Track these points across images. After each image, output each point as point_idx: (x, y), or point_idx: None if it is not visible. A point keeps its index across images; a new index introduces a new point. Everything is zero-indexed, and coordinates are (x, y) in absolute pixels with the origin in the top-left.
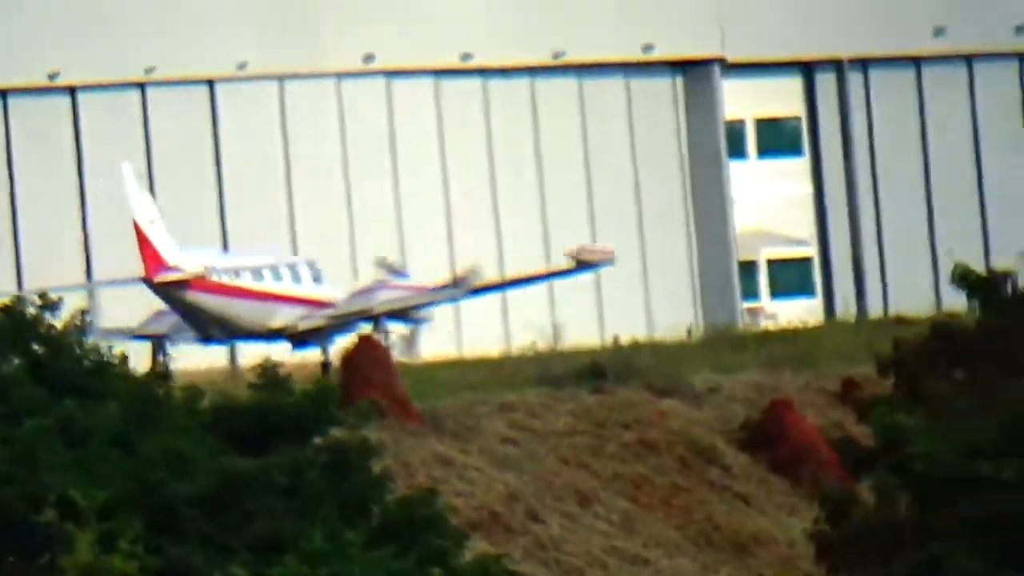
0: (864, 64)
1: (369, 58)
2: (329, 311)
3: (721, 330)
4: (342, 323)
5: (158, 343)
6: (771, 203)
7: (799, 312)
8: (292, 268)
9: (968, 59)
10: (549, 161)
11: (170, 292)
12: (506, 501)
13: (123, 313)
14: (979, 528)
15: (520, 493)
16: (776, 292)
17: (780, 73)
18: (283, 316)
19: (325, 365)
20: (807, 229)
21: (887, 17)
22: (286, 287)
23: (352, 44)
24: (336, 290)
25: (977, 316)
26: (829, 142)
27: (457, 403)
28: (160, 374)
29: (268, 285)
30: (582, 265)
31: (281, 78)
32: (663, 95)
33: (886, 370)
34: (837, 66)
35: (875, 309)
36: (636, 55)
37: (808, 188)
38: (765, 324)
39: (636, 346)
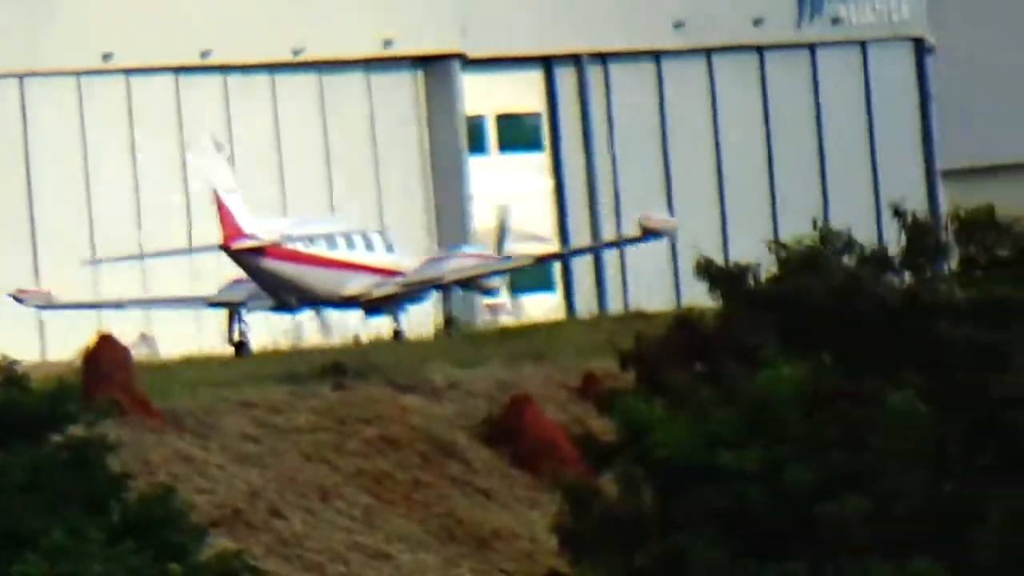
0: (604, 59)
1: (108, 56)
2: (401, 279)
3: (462, 326)
4: (414, 291)
5: (234, 311)
6: (512, 198)
7: (539, 308)
8: (365, 236)
9: (707, 52)
10: (289, 158)
11: (247, 259)
12: (248, 498)
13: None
14: (721, 518)
15: (262, 490)
16: (517, 288)
17: (520, 68)
18: (356, 284)
19: (397, 333)
20: (547, 224)
21: (626, 12)
22: (359, 255)
23: (90, 41)
24: (408, 259)
25: (718, 309)
26: (569, 137)
27: (198, 401)
28: (237, 342)
29: (342, 253)
30: (648, 233)
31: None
32: (404, 91)
33: (627, 364)
34: (577, 61)
35: (616, 304)
36: (377, 51)
37: (548, 183)
38: (506, 320)
39: (377, 343)
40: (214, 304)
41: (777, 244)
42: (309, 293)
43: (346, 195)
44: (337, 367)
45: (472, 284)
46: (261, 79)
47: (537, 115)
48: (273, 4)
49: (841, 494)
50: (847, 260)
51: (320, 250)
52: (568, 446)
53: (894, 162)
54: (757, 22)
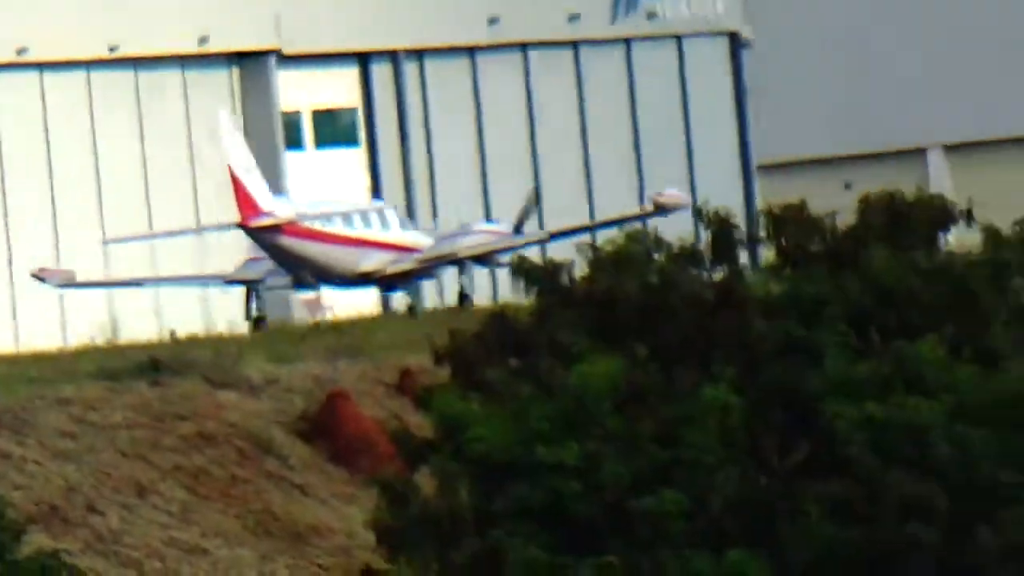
0: (419, 55)
1: None
2: (416, 255)
3: (278, 322)
4: (429, 267)
5: (251, 288)
6: (329, 194)
7: (356, 303)
8: (380, 214)
9: (523, 47)
10: (104, 157)
11: (264, 237)
12: (65, 494)
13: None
14: (537, 514)
15: (79, 486)
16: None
17: (336, 64)
18: (372, 260)
19: (411, 308)
20: None
21: (441, 8)
22: (375, 232)
23: None
24: (422, 235)
25: (533, 306)
26: (385, 132)
27: (15, 398)
28: (255, 319)
29: (358, 231)
30: (660, 209)
31: None
32: (220, 87)
33: (442, 360)
34: (392, 57)
35: (432, 300)
36: (192, 47)
37: (365, 178)
38: (322, 315)
39: (193, 340)
40: (231, 282)
41: (589, 246)
42: (326, 270)
43: (162, 190)
44: (153, 363)
45: (486, 260)
46: (77, 76)
47: (353, 111)
48: (89, 1)
49: (657, 489)
50: (659, 257)
51: (336, 227)
52: (385, 442)
53: (710, 157)
54: (572, 17)
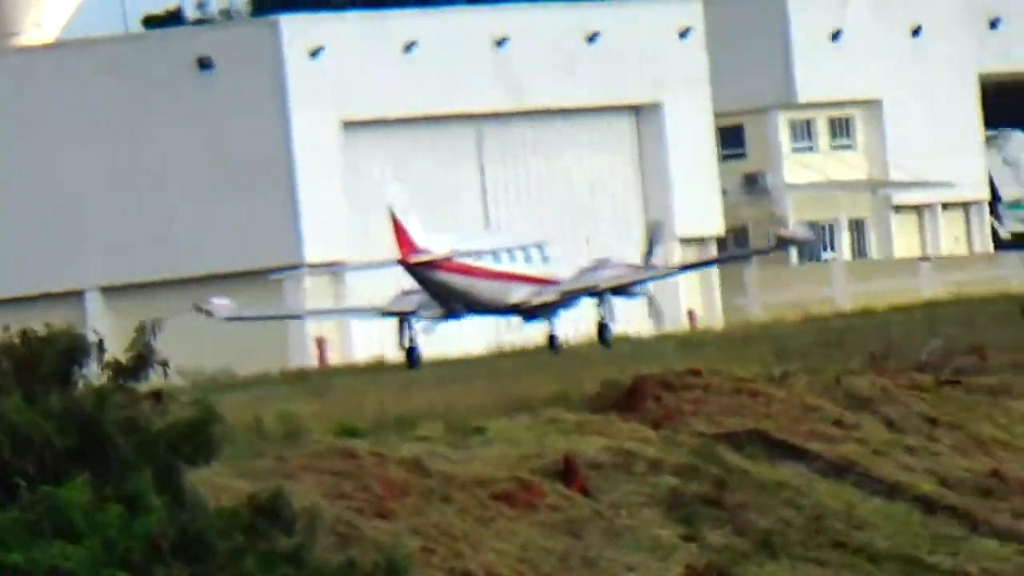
0: None
1: None
2: (559, 287)
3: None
4: (570, 299)
5: (404, 320)
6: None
7: None
8: (524, 250)
9: None
10: None
11: (422, 272)
12: None
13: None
14: None
15: None
16: None
17: None
18: (519, 293)
19: (553, 339)
20: None
21: None
22: (520, 267)
23: None
24: (562, 269)
25: None
26: None
27: None
28: (408, 348)
29: (505, 265)
30: (783, 242)
31: None
32: None
33: None
34: None
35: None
36: None
37: None
38: None
39: None
40: (387, 314)
41: None
42: (477, 302)
43: None
44: None
45: (623, 292)
46: None
47: None
48: None
49: None
50: None
51: (486, 263)
52: None
53: None
54: None
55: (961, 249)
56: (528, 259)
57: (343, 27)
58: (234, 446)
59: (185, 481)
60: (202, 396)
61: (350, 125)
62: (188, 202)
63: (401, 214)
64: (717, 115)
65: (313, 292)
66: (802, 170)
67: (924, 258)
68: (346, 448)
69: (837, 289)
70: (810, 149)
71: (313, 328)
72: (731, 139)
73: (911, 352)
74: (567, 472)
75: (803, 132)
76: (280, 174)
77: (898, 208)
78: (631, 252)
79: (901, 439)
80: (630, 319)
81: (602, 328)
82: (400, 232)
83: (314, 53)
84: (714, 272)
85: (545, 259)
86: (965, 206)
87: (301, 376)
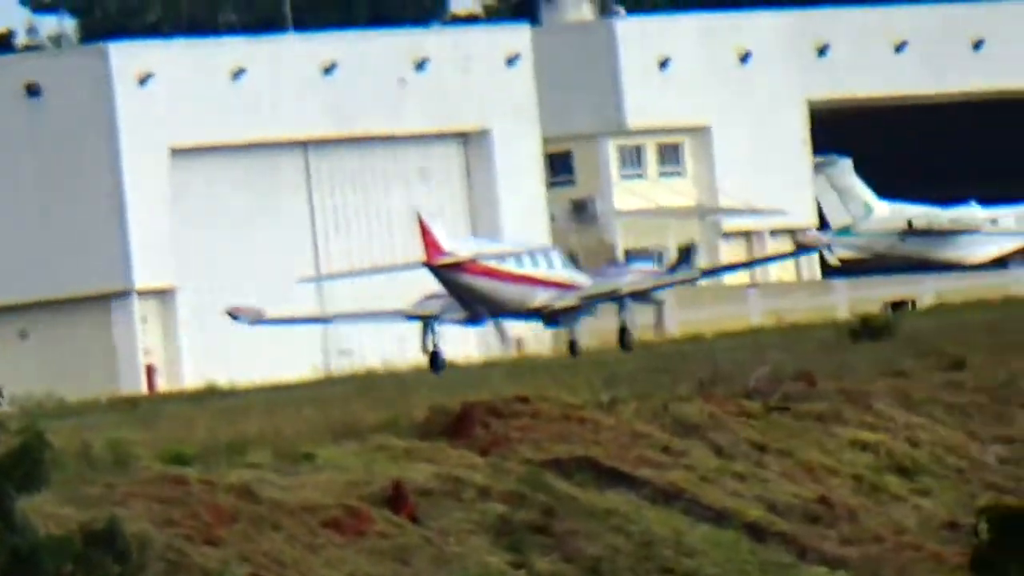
0: None
1: None
2: (580, 292)
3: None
4: (591, 303)
5: (428, 323)
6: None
7: None
8: (546, 254)
9: None
10: None
11: (447, 274)
12: None
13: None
14: None
15: None
16: None
17: None
18: (541, 297)
19: (572, 343)
20: None
21: None
22: (542, 271)
23: None
24: (581, 274)
25: None
26: None
27: None
28: (431, 352)
29: (528, 269)
30: (801, 248)
31: None
32: None
33: None
34: None
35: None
36: None
37: None
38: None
39: None
40: (411, 317)
41: None
42: (500, 305)
43: None
44: None
45: (642, 296)
46: None
47: None
48: None
49: None
50: None
51: (510, 266)
52: None
53: None
54: None
55: (789, 275)
56: (550, 264)
57: (172, 54)
58: (63, 473)
59: (16, 507)
60: (31, 423)
61: (179, 152)
62: (16, 228)
63: (427, 217)
64: (546, 142)
65: (143, 317)
66: (631, 197)
67: (752, 285)
68: (175, 475)
69: (666, 316)
70: (639, 176)
71: (143, 355)
72: (560, 166)
73: (739, 379)
74: (396, 499)
75: (632, 159)
76: (109, 201)
77: (727, 235)
78: None
79: (729, 466)
80: (459, 345)
81: (623, 333)
82: (426, 234)
83: (143, 80)
84: None
85: (565, 263)
86: (793, 233)
87: (131, 403)
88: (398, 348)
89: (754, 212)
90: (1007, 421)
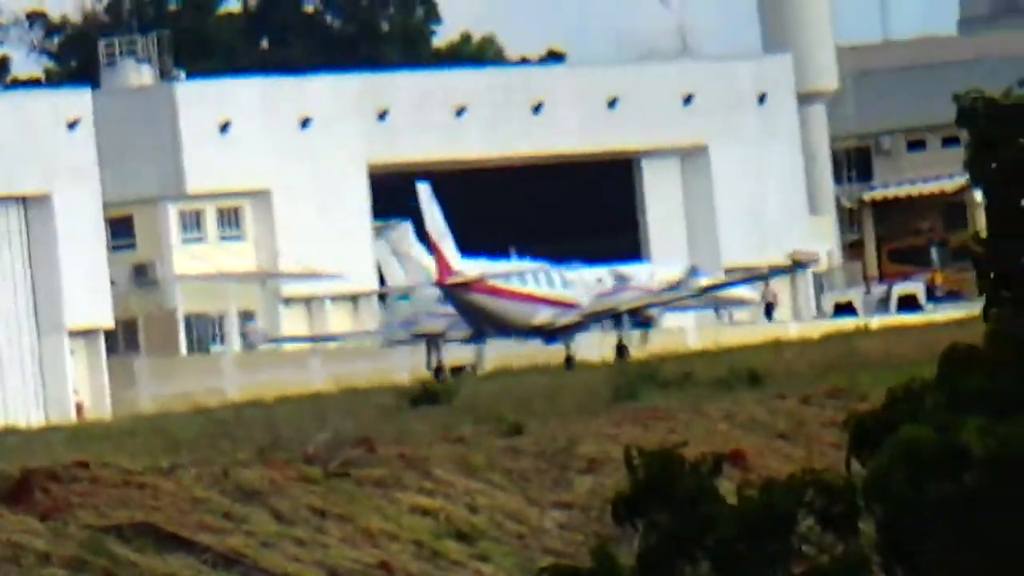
0: None
1: None
2: (580, 310)
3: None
4: (590, 320)
5: (433, 340)
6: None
7: None
8: (546, 274)
9: None
10: None
11: (457, 293)
12: None
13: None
14: None
15: None
16: None
17: None
18: (543, 315)
19: (569, 360)
20: None
21: None
22: (543, 290)
23: None
24: (579, 293)
25: None
26: None
27: None
28: (435, 368)
29: (530, 288)
30: (797, 264)
31: None
32: None
33: None
34: None
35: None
36: None
37: None
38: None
39: None
40: (416, 335)
41: None
42: (505, 323)
43: None
44: None
45: (637, 314)
46: None
47: None
48: None
49: None
50: None
51: (514, 285)
52: None
53: None
54: None
55: (353, 342)
56: (550, 283)
57: None
58: None
59: None
60: None
61: None
62: None
63: (438, 237)
64: (107, 206)
65: None
66: (192, 261)
67: (314, 349)
68: None
69: (227, 380)
70: (200, 240)
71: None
72: (121, 230)
73: (300, 444)
74: None
75: (193, 223)
76: None
77: (288, 300)
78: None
79: (290, 531)
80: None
81: (620, 349)
82: (438, 254)
83: None
84: (103, 362)
85: (564, 283)
86: (354, 298)
87: None
88: None
89: (314, 276)
90: (565, 486)
